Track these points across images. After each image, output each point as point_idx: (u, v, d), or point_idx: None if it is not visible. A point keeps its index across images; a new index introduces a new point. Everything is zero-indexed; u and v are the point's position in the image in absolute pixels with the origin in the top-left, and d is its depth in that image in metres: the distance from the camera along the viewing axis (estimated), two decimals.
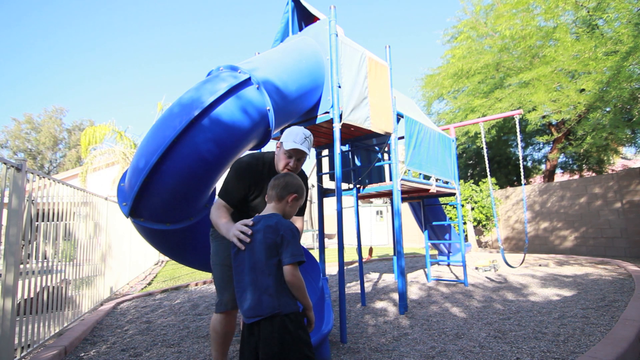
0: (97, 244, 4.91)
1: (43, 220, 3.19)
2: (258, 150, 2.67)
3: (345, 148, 4.58)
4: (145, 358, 2.75)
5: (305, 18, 3.92)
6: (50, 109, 32.37)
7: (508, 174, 14.49)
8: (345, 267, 4.04)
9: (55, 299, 3.34)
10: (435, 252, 7.71)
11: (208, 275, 6.88)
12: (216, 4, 65.03)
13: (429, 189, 4.69)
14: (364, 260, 7.60)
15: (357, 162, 4.67)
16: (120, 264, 6.11)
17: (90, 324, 3.62)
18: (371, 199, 12.64)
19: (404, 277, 3.83)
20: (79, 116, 47.44)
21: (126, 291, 5.87)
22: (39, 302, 3.00)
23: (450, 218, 10.13)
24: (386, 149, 4.82)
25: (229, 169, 2.15)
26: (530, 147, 14.68)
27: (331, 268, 7.79)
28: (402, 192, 4.87)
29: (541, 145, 14.30)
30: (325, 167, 4.72)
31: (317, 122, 3.31)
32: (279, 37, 3.85)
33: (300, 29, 3.88)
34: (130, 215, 2.31)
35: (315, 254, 7.14)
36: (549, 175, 12.24)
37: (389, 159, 4.52)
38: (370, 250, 7.12)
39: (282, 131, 2.64)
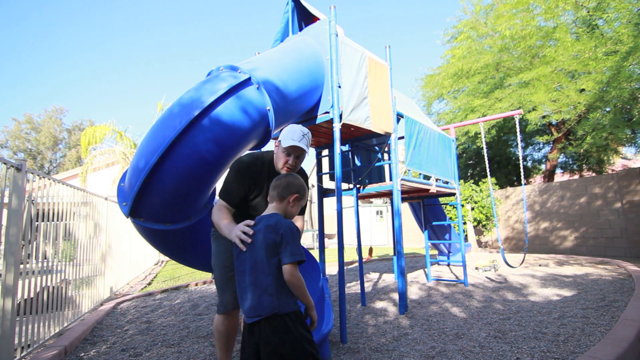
0: (97, 244, 4.91)
1: (43, 220, 3.19)
2: (258, 150, 2.67)
3: (345, 148, 4.58)
4: (145, 358, 2.75)
5: (305, 18, 3.92)
6: (50, 109, 32.44)
7: (508, 174, 14.49)
8: (345, 267, 4.04)
9: (55, 299, 3.34)
10: (435, 252, 7.71)
11: (208, 275, 6.89)
12: (216, 4, 65.13)
13: (429, 189, 4.70)
14: (364, 260, 7.60)
15: (357, 162, 4.67)
16: (120, 264, 6.11)
17: (90, 324, 3.62)
18: (371, 199, 12.64)
19: (404, 277, 3.83)
20: (79, 116, 47.52)
21: (126, 291, 5.87)
22: (39, 302, 3.00)
23: (450, 218, 10.13)
24: (386, 149, 4.82)
25: (228, 169, 2.14)
26: (530, 147, 14.68)
27: (331, 268, 7.78)
28: (402, 192, 4.87)
29: (541, 145, 14.31)
30: (325, 167, 4.72)
31: (317, 122, 3.31)
32: (279, 37, 3.85)
33: (300, 29, 3.88)
34: (130, 215, 2.31)
35: (315, 254, 7.15)
36: (549, 175, 12.24)
37: (389, 159, 4.52)
38: (370, 250, 7.12)
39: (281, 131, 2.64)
